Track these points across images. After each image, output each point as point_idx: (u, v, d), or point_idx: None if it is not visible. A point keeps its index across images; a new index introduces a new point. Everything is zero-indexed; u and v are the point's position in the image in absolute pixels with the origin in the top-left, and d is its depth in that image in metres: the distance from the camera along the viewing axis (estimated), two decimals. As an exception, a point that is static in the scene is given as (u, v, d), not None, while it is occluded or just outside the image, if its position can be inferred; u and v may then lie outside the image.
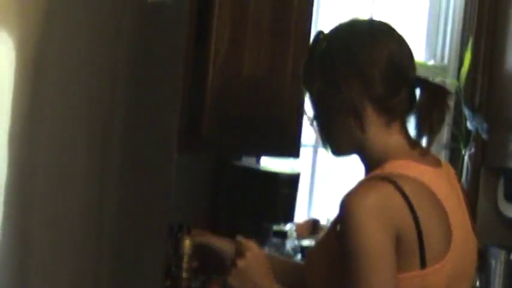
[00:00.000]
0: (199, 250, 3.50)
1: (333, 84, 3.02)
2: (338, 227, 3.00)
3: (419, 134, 3.07)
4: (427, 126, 3.08)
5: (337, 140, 3.11)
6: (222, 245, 3.50)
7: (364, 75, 3.01)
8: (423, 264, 2.95)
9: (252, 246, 3.19)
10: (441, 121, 3.07)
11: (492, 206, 4.83)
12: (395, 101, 3.01)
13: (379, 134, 3.05)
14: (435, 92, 3.10)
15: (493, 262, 4.68)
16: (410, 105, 3.05)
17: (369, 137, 3.05)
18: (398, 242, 2.91)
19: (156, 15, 2.94)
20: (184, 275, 3.50)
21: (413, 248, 2.93)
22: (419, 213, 2.92)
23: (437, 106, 3.08)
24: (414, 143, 3.06)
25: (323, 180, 4.50)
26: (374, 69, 3.00)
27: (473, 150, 4.68)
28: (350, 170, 3.19)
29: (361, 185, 2.95)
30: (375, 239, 2.91)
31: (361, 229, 2.90)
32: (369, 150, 3.07)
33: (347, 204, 2.90)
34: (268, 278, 3.17)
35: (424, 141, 3.18)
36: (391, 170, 2.97)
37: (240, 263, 3.13)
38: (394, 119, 3.03)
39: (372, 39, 3.07)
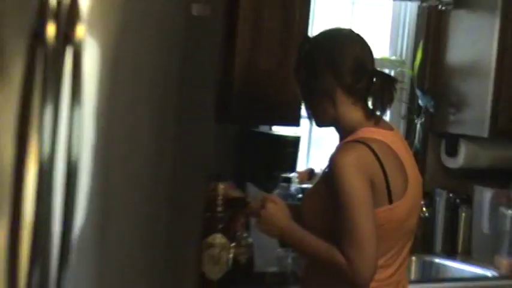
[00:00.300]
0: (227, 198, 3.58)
1: (313, 75, 3.19)
2: (327, 179, 3.09)
3: (375, 109, 3.22)
4: (379, 103, 3.21)
5: (317, 115, 3.26)
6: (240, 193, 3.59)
7: (336, 69, 3.17)
8: (390, 201, 3.11)
9: (272, 199, 3.28)
10: (391, 100, 3.24)
11: (437, 159, 4.82)
12: (358, 87, 3.18)
13: (348, 110, 3.20)
14: (386, 80, 3.26)
15: (437, 199, 4.72)
16: (369, 89, 3.19)
17: (341, 112, 3.19)
18: (373, 187, 3.05)
19: (199, 24, 3.02)
20: (218, 209, 3.58)
21: (383, 191, 3.10)
22: (385, 165, 3.10)
23: (387, 89, 3.23)
24: (371, 115, 3.20)
25: (316, 141, 4.52)
26: (343, 65, 3.17)
27: (423, 120, 4.69)
28: (333, 135, 3.29)
29: (342, 147, 3.11)
30: (358, 186, 3.03)
31: (347, 179, 3.03)
32: (342, 122, 3.21)
33: (335, 162, 3.07)
34: (287, 219, 3.20)
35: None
36: (362, 135, 3.14)
37: (264, 212, 3.19)
38: (358, 100, 3.20)
39: (342, 44, 3.23)
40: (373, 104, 3.22)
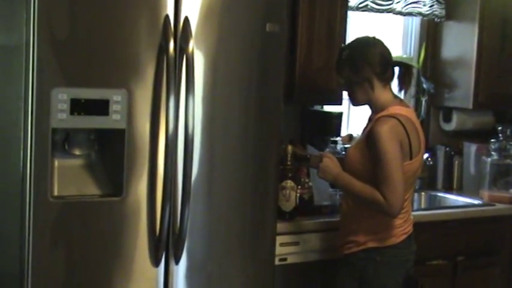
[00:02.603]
0: (295, 155, 3.53)
1: (355, 70, 3.15)
2: (368, 141, 3.06)
3: (400, 90, 3.23)
4: (404, 84, 3.24)
5: (357, 98, 3.22)
6: (303, 152, 3.59)
7: (370, 63, 3.13)
8: (411, 158, 3.09)
9: (327, 154, 3.27)
10: (410, 82, 3.27)
11: (437, 125, 4.78)
12: (387, 75, 3.16)
13: (380, 92, 3.17)
14: (406, 67, 3.25)
15: (438, 152, 4.67)
16: (393, 76, 3.18)
17: (376, 94, 3.16)
18: (401, 147, 3.04)
19: (271, 38, 3.01)
20: (288, 163, 3.52)
21: (407, 150, 3.08)
22: (409, 132, 3.09)
23: (408, 75, 3.23)
24: (396, 96, 3.20)
25: (354, 115, 4.45)
26: (374, 59, 3.13)
27: (426, 98, 4.64)
28: (363, 112, 3.28)
29: (381, 120, 3.06)
30: (392, 147, 3.01)
31: (385, 142, 3.01)
32: (375, 101, 3.17)
33: (376, 130, 3.03)
34: (339, 169, 3.19)
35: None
36: (393, 111, 3.11)
37: (322, 164, 3.19)
38: (386, 84, 3.17)
39: (370, 44, 3.19)
40: (399, 86, 3.22)
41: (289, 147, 3.54)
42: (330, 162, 3.19)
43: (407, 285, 3.17)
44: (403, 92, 3.37)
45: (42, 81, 2.53)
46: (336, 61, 3.27)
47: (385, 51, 3.18)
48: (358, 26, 4.45)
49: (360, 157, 3.12)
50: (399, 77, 3.23)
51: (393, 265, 3.15)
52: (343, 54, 3.20)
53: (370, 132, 3.06)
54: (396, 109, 3.12)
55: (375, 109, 3.18)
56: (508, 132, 4.53)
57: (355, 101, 3.25)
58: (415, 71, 4.16)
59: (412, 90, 4.55)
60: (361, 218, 3.16)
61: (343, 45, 3.23)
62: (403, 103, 3.21)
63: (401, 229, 3.17)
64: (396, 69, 3.23)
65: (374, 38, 3.24)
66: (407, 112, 3.16)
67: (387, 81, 3.17)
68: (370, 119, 3.21)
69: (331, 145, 3.97)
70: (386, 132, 3.01)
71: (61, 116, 2.56)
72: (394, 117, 3.07)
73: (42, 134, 2.54)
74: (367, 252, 3.14)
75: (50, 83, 2.54)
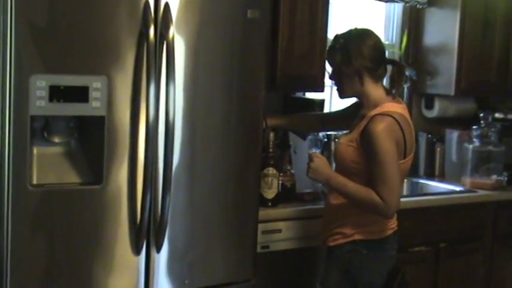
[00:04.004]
0: (275, 128, 3.54)
1: (347, 61, 3.09)
2: (362, 140, 3.01)
3: (391, 88, 3.17)
4: (395, 84, 3.18)
5: (344, 90, 3.18)
6: (285, 122, 3.58)
7: (363, 56, 3.08)
8: (404, 157, 3.08)
9: (316, 154, 3.23)
10: (402, 81, 3.23)
11: (419, 112, 4.79)
12: (378, 71, 3.12)
13: (371, 88, 3.13)
14: (399, 67, 3.22)
15: (420, 139, 4.66)
16: (385, 73, 3.16)
17: (366, 89, 3.12)
18: (397, 147, 3.01)
19: (252, 24, 3.00)
20: (270, 150, 3.54)
21: (402, 149, 3.05)
22: (405, 132, 3.05)
23: (400, 74, 3.19)
24: (388, 93, 3.15)
25: (336, 102, 4.38)
26: (368, 54, 3.08)
27: (409, 85, 4.65)
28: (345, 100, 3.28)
29: (376, 119, 3.01)
30: (389, 147, 2.98)
31: (381, 142, 2.97)
32: (366, 96, 3.14)
33: (372, 130, 2.99)
34: (330, 169, 3.15)
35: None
36: (387, 109, 3.06)
37: (312, 164, 3.13)
38: (378, 80, 3.14)
39: (366, 38, 3.13)
40: (390, 84, 3.18)
41: (271, 134, 3.52)
42: (320, 163, 3.13)
43: (389, 274, 3.16)
44: (393, 91, 3.25)
45: (21, 68, 2.49)
46: (328, 48, 3.23)
47: (380, 48, 3.14)
48: (340, 12, 4.43)
49: (353, 155, 3.07)
50: (390, 76, 3.20)
51: (379, 259, 3.14)
52: (336, 42, 3.14)
53: (365, 131, 3.01)
54: (390, 106, 3.07)
55: (367, 105, 3.12)
56: (490, 119, 4.55)
57: (342, 93, 3.20)
58: (407, 71, 4.16)
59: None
60: (352, 211, 3.12)
61: (337, 35, 3.18)
62: (396, 100, 3.15)
63: (389, 224, 3.16)
64: (388, 67, 3.20)
65: (371, 31, 3.19)
66: (402, 109, 3.12)
67: (379, 77, 3.13)
68: (362, 115, 3.12)
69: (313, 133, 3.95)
70: (383, 131, 2.97)
71: (40, 103, 2.52)
72: (389, 115, 3.02)
73: (21, 121, 2.51)
74: (353, 244, 3.11)
75: (28, 70, 2.50)
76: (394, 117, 3.01)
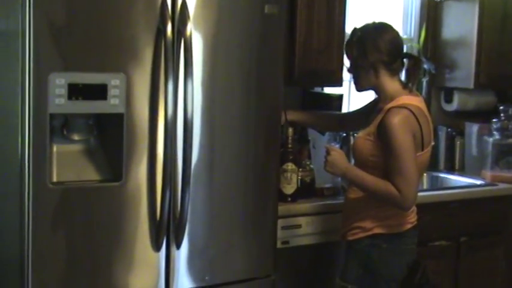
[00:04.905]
0: (294, 123, 3.53)
1: (363, 54, 3.10)
2: (379, 133, 3.00)
3: (408, 82, 3.15)
4: (411, 77, 3.16)
5: (360, 83, 3.18)
6: (304, 118, 3.55)
7: (379, 50, 3.08)
8: (422, 149, 3.06)
9: (334, 148, 3.20)
10: (418, 75, 3.23)
11: (438, 105, 4.77)
12: (395, 65, 3.11)
13: (387, 81, 3.12)
14: (416, 61, 3.20)
15: (440, 133, 4.66)
16: (402, 67, 3.13)
17: (381, 82, 3.11)
18: (414, 139, 2.99)
19: (270, 19, 3.00)
20: (289, 145, 3.52)
21: (419, 141, 3.04)
22: (421, 124, 3.04)
23: (417, 67, 3.18)
24: (405, 86, 3.13)
25: (354, 97, 4.41)
26: (385, 48, 3.08)
27: (428, 78, 4.62)
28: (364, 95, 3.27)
29: (393, 112, 3.00)
30: (406, 139, 2.97)
31: (398, 135, 2.96)
32: (382, 89, 3.13)
33: (389, 122, 2.97)
34: (347, 162, 3.13)
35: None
36: (403, 101, 3.05)
37: (329, 157, 3.12)
38: (394, 74, 3.12)
39: (384, 31, 3.13)
40: (406, 78, 3.16)
41: (290, 130, 3.51)
42: (337, 156, 3.12)
43: (409, 268, 3.14)
44: (410, 84, 3.22)
45: (39, 67, 2.49)
46: (346, 41, 3.24)
47: (397, 41, 3.13)
48: (358, 6, 4.42)
49: (371, 148, 3.06)
50: (407, 70, 3.18)
51: (399, 253, 3.12)
52: (354, 35, 3.15)
53: (381, 124, 3.00)
54: (406, 99, 3.06)
55: (384, 98, 3.12)
56: (510, 112, 4.53)
57: (358, 86, 3.21)
58: (424, 65, 4.14)
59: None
60: (371, 205, 3.11)
61: (355, 28, 3.18)
62: (413, 93, 3.14)
63: (409, 218, 3.15)
64: (405, 61, 3.18)
65: (389, 25, 3.18)
66: (418, 102, 3.10)
67: (395, 71, 3.11)
68: (379, 109, 3.12)
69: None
70: (399, 123, 2.96)
71: (59, 102, 2.52)
72: (406, 107, 3.01)
73: (40, 119, 2.51)
74: (373, 238, 3.10)
75: (47, 68, 2.50)
76: (410, 110, 3.01)
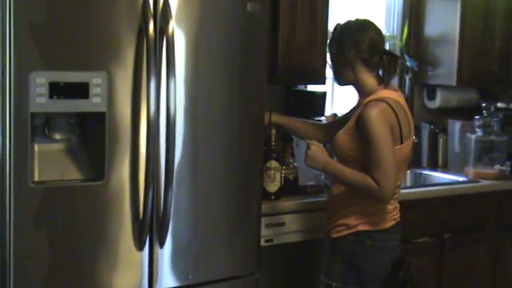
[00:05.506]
0: (277, 126, 3.52)
1: (341, 50, 3.13)
2: (358, 126, 3.01)
3: (385, 77, 3.15)
4: (389, 73, 3.15)
5: (340, 78, 3.21)
6: (289, 123, 3.52)
7: (357, 47, 3.10)
8: (401, 142, 3.07)
9: (314, 142, 3.19)
10: (395, 71, 3.18)
11: (421, 102, 4.79)
12: (373, 60, 3.12)
13: (365, 76, 3.14)
14: (392, 57, 3.18)
15: (423, 130, 4.69)
16: (380, 63, 3.12)
17: (359, 77, 3.13)
18: (392, 132, 3.00)
19: (252, 17, 3.00)
20: (272, 143, 3.53)
21: (398, 134, 3.05)
22: (399, 116, 3.05)
23: (393, 64, 3.15)
24: (383, 81, 3.14)
25: (338, 94, 4.44)
26: (363, 44, 3.09)
27: (410, 76, 4.63)
28: (347, 91, 3.26)
29: (370, 105, 3.02)
30: (383, 131, 2.98)
31: (376, 127, 2.97)
32: (360, 84, 3.15)
33: (366, 115, 2.99)
34: (327, 156, 3.14)
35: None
36: (381, 95, 3.07)
37: (309, 152, 3.13)
38: (372, 69, 3.13)
39: (363, 29, 3.14)
40: (382, 74, 3.15)
41: (273, 130, 3.51)
42: (318, 150, 3.14)
43: (393, 265, 3.14)
44: (387, 80, 3.21)
45: (20, 65, 2.47)
46: (329, 39, 3.27)
47: (376, 38, 3.13)
48: (341, 4, 4.42)
49: (350, 142, 3.07)
50: (382, 65, 3.16)
51: (383, 249, 3.12)
52: (334, 32, 3.20)
53: (359, 117, 3.02)
54: (384, 93, 3.08)
55: (362, 93, 3.15)
56: (492, 109, 4.55)
57: (338, 81, 3.25)
58: (400, 61, 4.14)
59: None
60: (354, 202, 3.11)
61: (337, 24, 3.20)
62: (391, 87, 3.16)
63: (392, 215, 3.16)
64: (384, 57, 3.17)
65: (370, 22, 3.19)
66: (397, 96, 3.12)
67: (373, 66, 3.12)
68: (358, 104, 3.16)
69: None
70: (377, 116, 2.97)
71: (40, 100, 2.50)
72: (383, 100, 3.03)
73: (22, 119, 2.49)
74: (357, 235, 3.10)
75: (28, 67, 2.49)
76: (387, 103, 3.03)
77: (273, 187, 3.50)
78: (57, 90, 2.53)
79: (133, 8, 2.66)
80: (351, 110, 3.34)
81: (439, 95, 4.69)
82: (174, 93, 2.71)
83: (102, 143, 2.64)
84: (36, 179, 2.58)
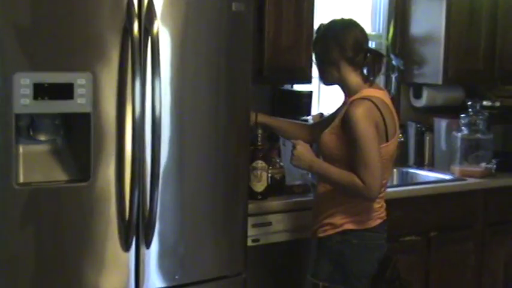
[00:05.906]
0: (264, 126, 3.51)
1: (325, 49, 3.13)
2: (343, 125, 3.01)
3: (369, 76, 3.15)
4: (373, 71, 3.15)
5: (326, 77, 3.21)
6: (275, 123, 3.51)
7: (341, 46, 3.10)
8: (387, 140, 3.07)
9: (299, 142, 3.18)
10: (379, 69, 3.18)
11: (407, 101, 4.80)
12: (357, 59, 3.12)
13: (349, 75, 3.14)
14: (377, 55, 3.18)
15: (409, 129, 4.70)
16: (364, 62, 3.13)
17: (344, 76, 3.13)
18: (377, 130, 3.01)
19: (238, 17, 3.00)
20: (259, 143, 3.53)
21: (383, 132, 3.05)
22: (384, 114, 3.06)
23: (378, 62, 3.16)
24: (367, 80, 3.15)
25: (324, 94, 4.44)
26: (346, 43, 3.10)
27: (396, 75, 4.63)
28: (333, 91, 3.26)
29: (355, 103, 3.03)
30: (368, 129, 2.98)
31: (361, 125, 2.97)
32: (345, 83, 3.15)
33: (351, 113, 3.00)
34: (313, 155, 3.14)
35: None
36: (366, 93, 3.08)
37: (295, 151, 3.13)
38: (357, 68, 3.14)
39: (346, 28, 3.14)
40: (367, 72, 3.16)
41: (259, 130, 3.51)
42: (303, 149, 3.13)
43: (380, 263, 3.15)
44: (371, 78, 3.22)
45: (4, 66, 2.46)
46: (313, 39, 3.28)
47: (360, 37, 3.13)
48: (327, 3, 4.42)
49: (336, 142, 3.07)
50: (367, 64, 3.17)
51: (370, 248, 3.13)
52: (318, 32, 3.20)
53: (345, 116, 3.02)
54: (369, 91, 3.09)
55: (347, 92, 3.15)
56: (478, 107, 4.55)
57: (323, 80, 3.25)
58: (385, 59, 4.16)
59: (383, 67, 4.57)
60: (340, 201, 3.11)
61: (320, 24, 3.21)
62: (375, 86, 3.17)
63: (378, 213, 3.16)
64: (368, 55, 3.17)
65: (353, 21, 3.20)
66: (381, 94, 3.13)
67: (357, 65, 3.13)
68: (344, 103, 3.16)
69: (302, 124, 3.91)
70: (362, 114, 2.97)
71: (24, 102, 2.49)
72: (368, 99, 3.03)
73: (6, 120, 2.48)
74: (343, 234, 3.11)
75: (11, 68, 2.47)
76: (372, 101, 3.03)
77: (259, 187, 3.50)
78: (41, 91, 2.52)
79: (117, 8, 2.65)
80: (336, 110, 3.33)
81: (425, 94, 4.70)
82: (159, 93, 2.70)
83: (88, 143, 2.63)
84: (21, 180, 2.57)
